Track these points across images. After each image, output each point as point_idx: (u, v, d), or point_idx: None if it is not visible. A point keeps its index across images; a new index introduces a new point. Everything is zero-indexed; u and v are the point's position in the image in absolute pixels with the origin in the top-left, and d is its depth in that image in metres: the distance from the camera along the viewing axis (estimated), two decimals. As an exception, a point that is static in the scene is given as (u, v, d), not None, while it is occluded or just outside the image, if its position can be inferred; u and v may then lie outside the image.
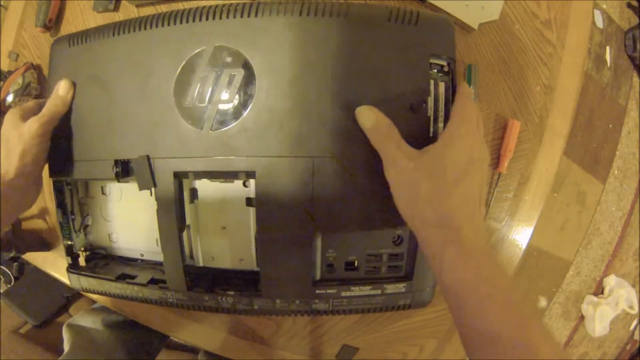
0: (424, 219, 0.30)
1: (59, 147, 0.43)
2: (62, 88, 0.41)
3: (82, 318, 0.62)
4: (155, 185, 0.39)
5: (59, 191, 0.46)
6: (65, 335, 0.59)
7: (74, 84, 0.42)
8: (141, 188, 0.40)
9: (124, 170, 0.41)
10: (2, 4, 0.69)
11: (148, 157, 0.39)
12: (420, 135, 0.37)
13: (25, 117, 0.41)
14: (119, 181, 0.45)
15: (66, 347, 0.57)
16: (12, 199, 0.42)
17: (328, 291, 0.40)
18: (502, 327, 0.25)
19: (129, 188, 0.46)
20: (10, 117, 0.42)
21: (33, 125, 0.40)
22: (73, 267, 0.47)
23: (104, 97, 0.41)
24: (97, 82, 0.41)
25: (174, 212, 0.40)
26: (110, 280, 0.44)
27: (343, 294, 0.40)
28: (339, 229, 0.38)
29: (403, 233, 0.40)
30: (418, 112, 0.36)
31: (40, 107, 0.42)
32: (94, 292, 0.47)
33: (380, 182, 0.36)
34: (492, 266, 0.27)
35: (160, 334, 0.57)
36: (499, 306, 0.25)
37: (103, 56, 0.41)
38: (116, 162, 0.40)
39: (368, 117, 0.34)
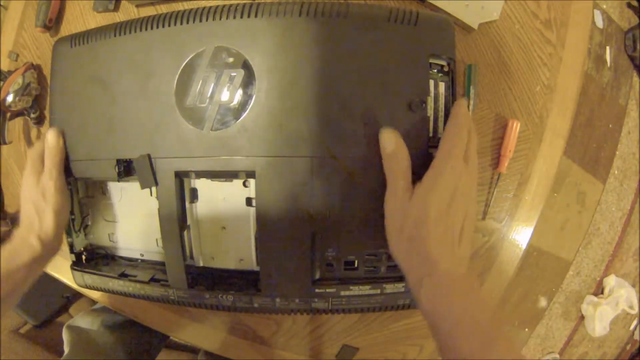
0: (406, 253, 0.34)
1: (59, 147, 0.43)
2: (50, 139, 0.42)
3: (82, 319, 0.62)
4: (156, 184, 0.40)
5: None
6: (65, 336, 0.59)
7: (61, 131, 0.43)
8: (143, 187, 0.40)
9: (125, 170, 0.41)
10: (2, 4, 0.69)
11: (149, 156, 0.39)
12: (419, 134, 0.37)
13: (39, 174, 0.42)
14: (118, 181, 0.45)
15: (66, 348, 0.57)
16: (50, 256, 0.43)
17: (327, 290, 0.40)
18: (470, 348, 0.28)
19: (129, 188, 0.46)
20: (28, 180, 0.42)
21: (49, 184, 0.41)
22: (77, 265, 0.48)
23: (106, 98, 0.41)
24: (98, 83, 0.42)
25: (175, 210, 0.40)
26: (113, 277, 0.45)
27: (342, 293, 0.40)
28: (338, 228, 0.38)
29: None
30: (417, 112, 0.36)
31: (41, 159, 0.43)
32: (97, 289, 0.47)
33: (379, 182, 0.36)
34: (463, 296, 0.31)
35: (160, 335, 0.57)
36: (467, 331, 0.29)
37: (104, 56, 0.42)
38: (118, 161, 0.41)
39: (390, 141, 0.35)
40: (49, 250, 0.42)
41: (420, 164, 0.36)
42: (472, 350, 0.28)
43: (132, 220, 0.47)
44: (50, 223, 0.41)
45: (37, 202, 0.41)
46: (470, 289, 0.32)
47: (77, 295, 0.89)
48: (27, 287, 0.42)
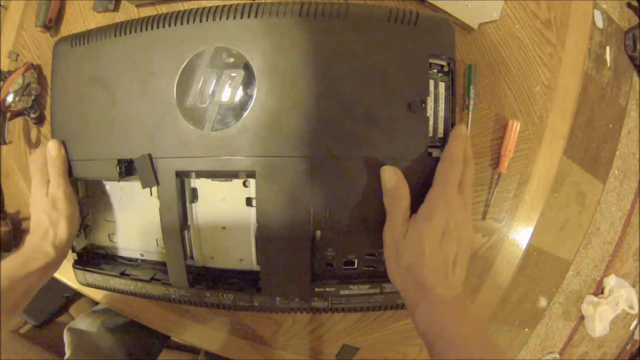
0: (403, 280, 0.36)
1: (59, 147, 0.43)
2: (52, 150, 0.43)
3: (83, 321, 0.62)
4: (157, 183, 0.40)
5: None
6: (66, 339, 0.59)
7: (62, 142, 0.44)
8: (144, 186, 0.40)
9: (126, 170, 0.41)
10: (2, 4, 0.69)
11: (150, 156, 0.39)
12: (419, 135, 0.37)
13: (47, 185, 0.44)
14: (119, 181, 0.45)
15: (67, 351, 0.58)
16: (61, 260, 0.45)
17: (327, 289, 0.40)
18: None
19: (129, 188, 0.46)
20: (38, 191, 0.44)
21: (58, 194, 0.43)
22: (79, 263, 0.48)
23: (106, 97, 0.41)
24: (99, 83, 0.42)
25: (176, 209, 0.40)
26: (115, 276, 0.45)
27: (342, 292, 0.41)
28: (337, 228, 0.38)
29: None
30: (417, 112, 0.36)
31: (46, 169, 0.44)
32: (98, 288, 0.48)
33: (379, 181, 0.36)
34: (454, 317, 0.33)
35: (160, 336, 0.57)
36: (459, 349, 0.31)
37: (105, 57, 0.42)
38: (119, 161, 0.41)
39: (391, 177, 0.36)
40: (61, 255, 0.44)
41: (421, 165, 0.36)
42: None
43: (132, 220, 0.47)
44: (64, 231, 0.43)
45: (50, 212, 0.43)
46: (462, 310, 0.34)
47: (77, 295, 0.89)
48: (37, 291, 0.43)
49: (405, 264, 0.35)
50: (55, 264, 0.44)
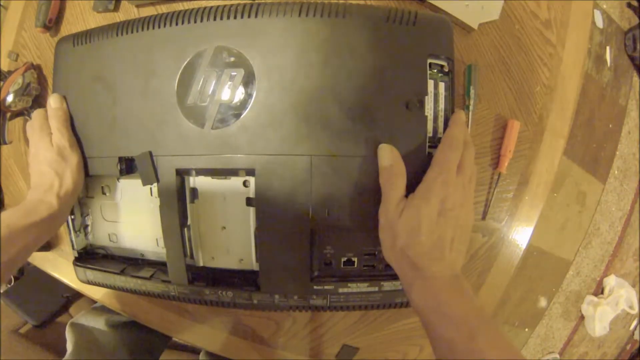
0: (398, 260, 0.35)
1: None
2: (53, 102, 0.43)
3: (85, 317, 0.62)
4: (158, 181, 0.40)
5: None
6: (69, 334, 0.59)
7: (63, 96, 0.44)
8: (144, 184, 0.41)
9: (127, 167, 0.41)
10: (2, 4, 0.69)
11: (151, 153, 0.40)
12: (417, 134, 0.37)
13: (49, 136, 0.42)
14: (118, 180, 0.45)
15: (69, 347, 0.58)
16: (66, 215, 0.44)
17: (326, 287, 0.40)
18: (456, 337, 0.30)
19: (129, 188, 0.46)
20: (41, 142, 0.42)
21: (63, 143, 0.42)
22: (79, 260, 0.48)
23: (108, 96, 0.41)
24: (100, 82, 0.42)
25: (177, 207, 0.40)
26: (115, 273, 0.45)
27: (340, 290, 0.41)
28: (336, 226, 0.39)
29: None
30: (414, 111, 0.37)
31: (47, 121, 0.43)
32: (99, 285, 0.48)
33: (377, 181, 0.36)
34: (451, 292, 0.33)
35: (162, 335, 0.57)
36: (453, 322, 0.31)
37: (106, 56, 0.42)
38: (120, 159, 0.41)
39: (386, 156, 0.36)
40: (65, 208, 0.42)
41: (418, 164, 0.36)
42: (461, 339, 0.30)
43: (132, 220, 0.47)
44: (69, 180, 0.41)
45: (56, 162, 0.41)
46: (460, 287, 0.34)
47: (77, 295, 0.89)
48: (35, 249, 0.41)
49: (401, 244, 0.34)
50: (58, 217, 0.42)
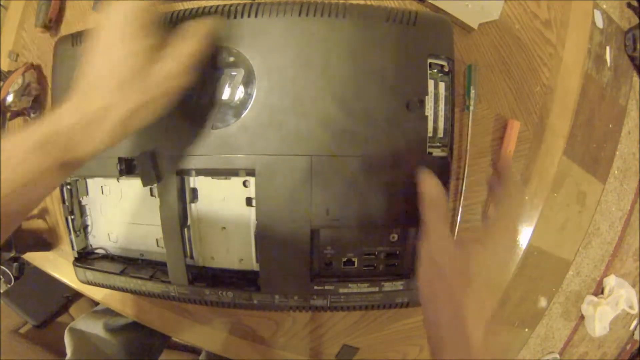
0: (443, 311, 0.30)
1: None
2: None
3: (84, 322, 0.62)
4: (158, 181, 0.40)
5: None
6: (67, 340, 0.59)
7: None
8: (144, 184, 0.40)
9: (127, 168, 0.41)
10: (2, 4, 0.69)
11: (151, 154, 0.40)
12: (417, 134, 0.37)
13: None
14: (119, 179, 0.45)
15: (68, 352, 0.58)
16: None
17: (326, 288, 0.40)
18: None
19: (129, 188, 0.46)
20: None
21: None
22: (79, 261, 0.48)
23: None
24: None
25: (177, 207, 0.40)
26: (115, 273, 0.45)
27: (341, 290, 0.41)
28: (336, 226, 0.39)
29: (400, 232, 0.40)
30: (415, 112, 0.37)
31: None
32: (98, 285, 0.48)
33: (378, 181, 0.36)
34: None
35: (161, 337, 0.57)
36: None
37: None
38: (120, 159, 0.41)
39: (432, 187, 0.34)
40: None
41: (420, 165, 0.36)
42: None
43: (132, 221, 0.47)
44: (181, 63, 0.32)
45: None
46: None
47: (77, 295, 0.89)
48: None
49: (458, 300, 0.30)
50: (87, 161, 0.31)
